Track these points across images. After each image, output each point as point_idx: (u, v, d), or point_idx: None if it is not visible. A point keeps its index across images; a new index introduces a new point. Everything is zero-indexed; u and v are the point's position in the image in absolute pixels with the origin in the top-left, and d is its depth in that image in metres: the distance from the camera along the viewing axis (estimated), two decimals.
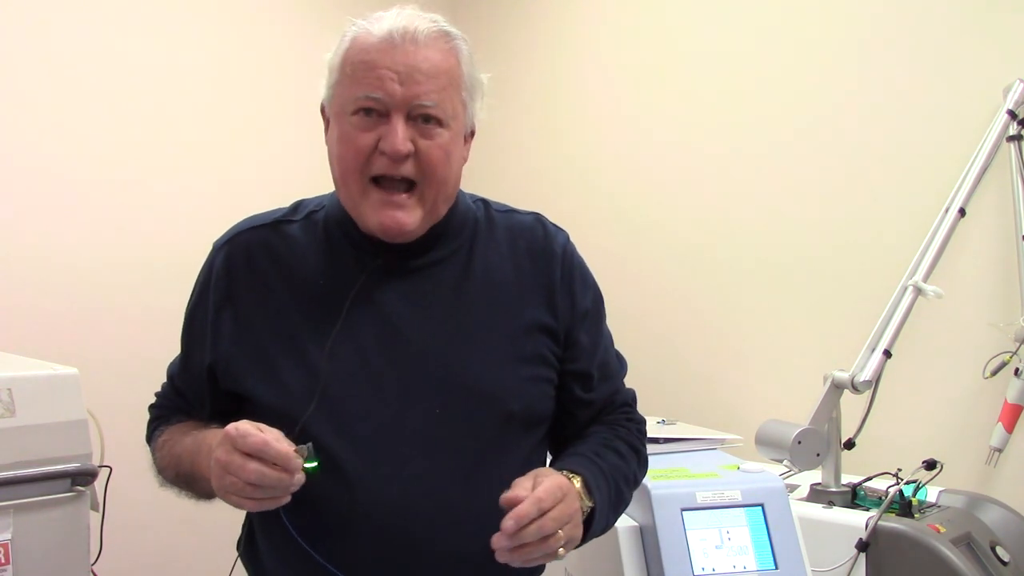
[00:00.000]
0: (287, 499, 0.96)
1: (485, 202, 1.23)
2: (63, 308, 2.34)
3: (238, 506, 0.97)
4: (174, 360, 1.24)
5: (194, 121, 2.63)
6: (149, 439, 1.24)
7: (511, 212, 1.23)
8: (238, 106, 2.73)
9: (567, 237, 1.23)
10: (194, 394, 1.19)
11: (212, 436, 1.04)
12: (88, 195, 2.42)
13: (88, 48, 2.43)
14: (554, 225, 1.24)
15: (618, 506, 1.15)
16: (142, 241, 2.49)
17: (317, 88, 1.15)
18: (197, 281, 1.20)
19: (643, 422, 1.26)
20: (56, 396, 1.54)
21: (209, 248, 1.20)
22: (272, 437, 0.94)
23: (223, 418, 1.08)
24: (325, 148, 1.14)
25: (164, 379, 1.27)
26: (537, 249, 1.19)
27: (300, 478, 0.95)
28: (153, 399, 1.28)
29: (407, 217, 1.07)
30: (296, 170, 2.70)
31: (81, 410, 1.57)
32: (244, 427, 0.94)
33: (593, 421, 1.22)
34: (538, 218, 1.24)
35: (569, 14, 2.93)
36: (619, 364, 1.27)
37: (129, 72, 2.50)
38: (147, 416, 1.27)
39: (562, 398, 1.19)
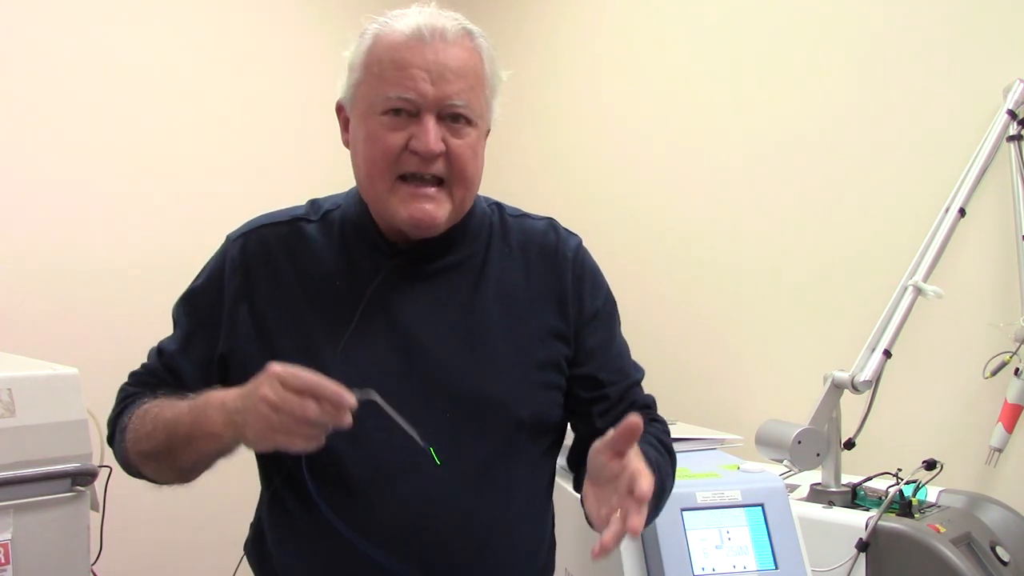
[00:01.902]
0: (328, 432, 0.95)
1: (499, 206, 1.23)
2: (63, 308, 2.34)
3: (284, 445, 0.93)
4: (164, 340, 1.20)
5: (196, 124, 2.63)
6: (119, 414, 1.17)
7: (524, 217, 1.23)
8: (241, 109, 2.73)
9: (579, 241, 1.23)
10: (192, 376, 1.15)
11: (220, 393, 1.01)
12: (88, 195, 2.42)
13: (91, 49, 2.43)
14: (567, 230, 1.24)
15: (661, 498, 1.13)
16: (142, 241, 2.49)
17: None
18: (205, 268, 1.18)
19: (666, 423, 1.25)
20: (56, 396, 1.54)
21: (210, 248, 1.20)
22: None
23: None
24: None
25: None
26: (549, 254, 1.19)
27: (349, 420, 0.93)
28: (127, 379, 1.22)
29: (437, 210, 1.07)
30: (298, 172, 2.72)
31: (81, 410, 1.57)
32: (291, 367, 0.93)
33: (612, 418, 1.19)
34: (551, 223, 1.23)
35: (571, 15, 2.93)
36: (634, 369, 1.26)
37: (129, 73, 2.50)
38: None
39: (571, 401, 1.19)
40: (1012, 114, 1.88)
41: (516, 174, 2.99)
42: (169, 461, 1.07)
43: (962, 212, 1.86)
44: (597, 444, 0.98)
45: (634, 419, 0.92)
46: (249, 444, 0.98)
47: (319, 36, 2.86)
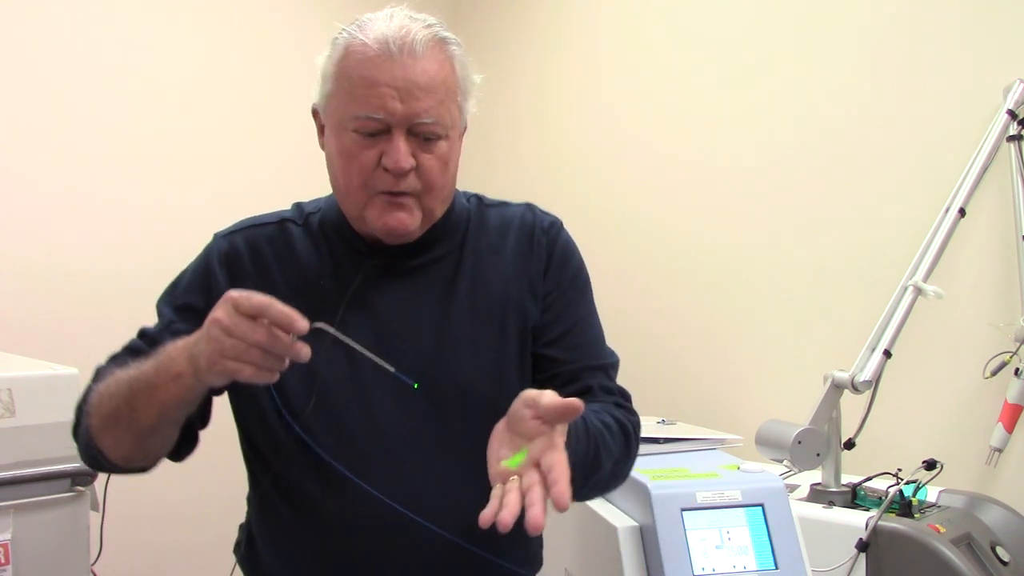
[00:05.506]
0: (283, 367, 0.92)
1: (479, 197, 1.24)
2: (63, 308, 2.34)
3: (234, 373, 0.90)
4: (146, 327, 1.17)
5: (195, 126, 2.64)
6: (87, 392, 1.10)
7: (503, 205, 1.24)
8: (240, 111, 2.74)
9: (555, 220, 1.23)
10: None
11: (183, 339, 0.97)
12: (88, 196, 2.42)
13: (92, 53, 2.43)
14: (544, 211, 1.24)
15: (593, 470, 1.06)
16: (142, 241, 2.50)
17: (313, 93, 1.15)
18: (190, 265, 1.18)
19: (637, 415, 1.20)
20: (56, 396, 1.54)
21: None
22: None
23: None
24: (322, 153, 1.14)
25: None
26: (526, 234, 1.19)
27: (306, 352, 0.91)
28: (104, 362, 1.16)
29: (410, 217, 1.08)
30: (297, 173, 2.71)
31: None
32: (247, 292, 0.90)
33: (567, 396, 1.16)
34: (529, 206, 1.24)
35: (570, 14, 2.93)
36: (607, 354, 1.21)
37: (130, 78, 2.51)
38: None
39: (534, 377, 1.17)
40: (1012, 114, 1.88)
41: (514, 175, 2.99)
42: (129, 421, 1.01)
43: (962, 212, 1.86)
44: (528, 395, 0.93)
45: (577, 402, 0.88)
46: (203, 375, 0.93)
47: (316, 38, 2.86)
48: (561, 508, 0.83)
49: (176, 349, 0.97)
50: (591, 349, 1.20)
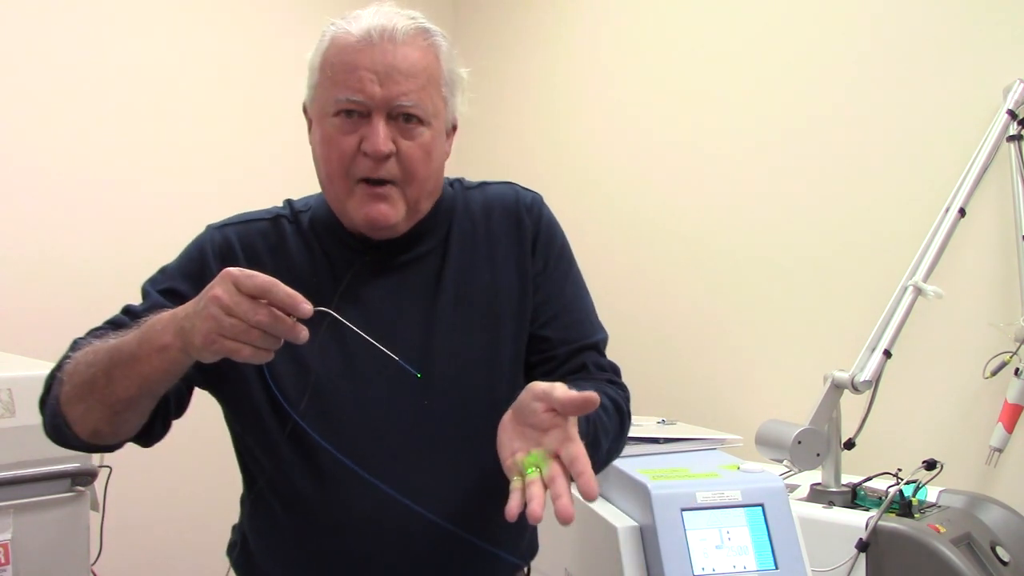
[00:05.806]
0: (279, 346, 0.89)
1: (460, 181, 1.24)
2: (63, 308, 2.34)
3: (231, 352, 0.87)
4: (128, 305, 1.15)
5: (195, 123, 2.64)
6: (61, 361, 1.05)
7: (483, 185, 1.24)
8: (239, 108, 2.74)
9: (536, 196, 1.23)
10: None
11: (169, 311, 0.94)
12: (89, 195, 2.42)
13: (90, 50, 2.43)
14: (525, 188, 1.24)
15: (592, 452, 0.99)
16: (143, 241, 2.49)
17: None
18: (183, 252, 1.19)
19: (627, 390, 1.21)
20: None
21: None
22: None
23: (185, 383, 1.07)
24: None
25: None
26: (510, 213, 1.20)
27: (305, 334, 0.89)
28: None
29: (392, 210, 1.08)
30: (297, 170, 2.72)
31: None
32: (248, 271, 0.88)
33: (557, 378, 1.12)
34: (510, 184, 1.24)
35: (571, 10, 2.94)
36: (596, 330, 1.21)
37: (132, 73, 2.51)
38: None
39: (528, 359, 1.17)
40: (1012, 114, 1.88)
41: (516, 171, 2.98)
42: (104, 392, 0.96)
43: (962, 212, 1.86)
44: (538, 388, 0.92)
45: (593, 395, 0.87)
46: (195, 351, 0.90)
47: (314, 35, 2.86)
48: (591, 498, 0.83)
49: (162, 321, 0.94)
50: (583, 327, 1.20)
